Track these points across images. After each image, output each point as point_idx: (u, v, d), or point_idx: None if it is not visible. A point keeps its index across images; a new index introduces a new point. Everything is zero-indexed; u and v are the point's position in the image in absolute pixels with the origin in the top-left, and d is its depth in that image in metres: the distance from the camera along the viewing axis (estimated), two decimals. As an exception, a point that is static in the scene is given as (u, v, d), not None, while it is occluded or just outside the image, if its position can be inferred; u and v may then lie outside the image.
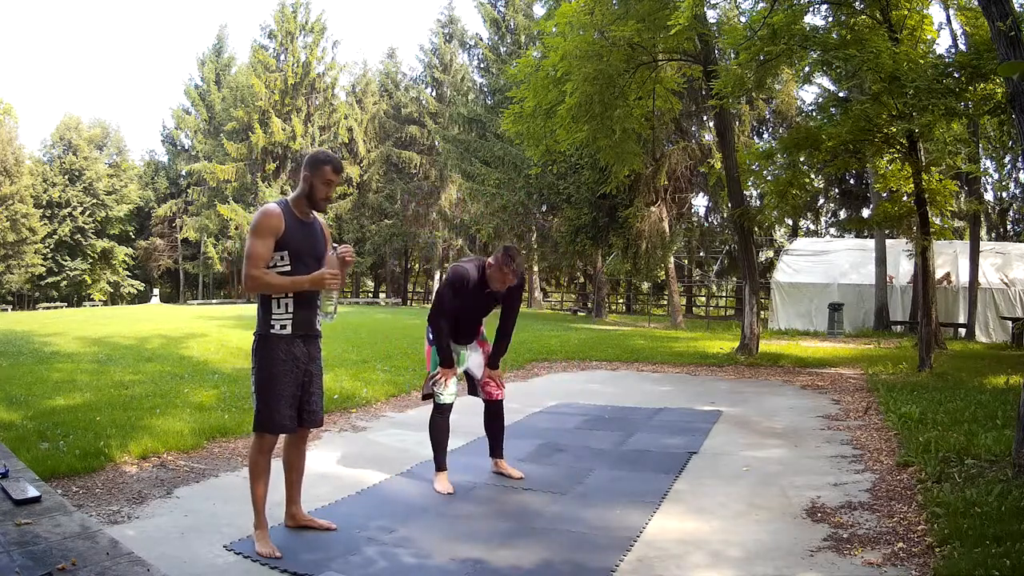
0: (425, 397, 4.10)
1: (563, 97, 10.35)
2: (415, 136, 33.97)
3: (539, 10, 23.52)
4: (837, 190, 26.94)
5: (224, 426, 5.16)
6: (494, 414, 4.21)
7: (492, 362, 4.15)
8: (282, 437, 3.13)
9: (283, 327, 3.01)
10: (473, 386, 4.25)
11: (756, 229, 13.83)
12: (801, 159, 9.97)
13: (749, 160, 11.17)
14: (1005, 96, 6.76)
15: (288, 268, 2.99)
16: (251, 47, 34.66)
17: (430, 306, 4.02)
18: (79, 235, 35.97)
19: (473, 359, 4.19)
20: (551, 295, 35.09)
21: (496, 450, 4.25)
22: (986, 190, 22.66)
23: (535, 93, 10.80)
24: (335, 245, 3.13)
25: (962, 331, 15.76)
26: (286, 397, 3.01)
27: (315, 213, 3.16)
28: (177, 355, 9.55)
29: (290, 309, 3.02)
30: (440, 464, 3.98)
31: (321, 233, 3.16)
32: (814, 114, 10.83)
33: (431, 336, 4.02)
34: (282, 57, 34.40)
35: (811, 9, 9.52)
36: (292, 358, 3.02)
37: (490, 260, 3.90)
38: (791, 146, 9.73)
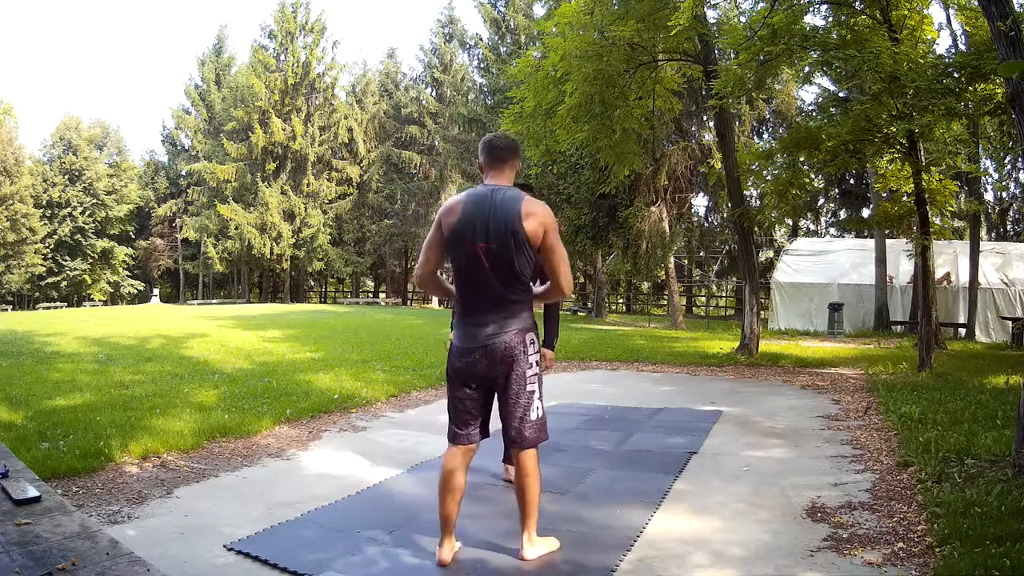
0: None
1: (563, 97, 10.35)
2: (415, 136, 33.99)
3: (539, 10, 23.53)
4: (837, 190, 26.93)
5: (224, 426, 5.16)
6: None
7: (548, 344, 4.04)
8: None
9: None
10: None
11: (756, 229, 13.82)
12: (801, 159, 9.98)
13: (749, 160, 11.16)
14: (1005, 96, 6.75)
15: None
16: (251, 47, 34.74)
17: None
18: (79, 235, 35.94)
19: None
20: (551, 295, 35.03)
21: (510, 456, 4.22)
22: (986, 190, 22.68)
23: (535, 93, 10.80)
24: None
25: (962, 331, 15.76)
26: None
27: None
28: (177, 355, 9.55)
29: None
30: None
31: None
32: (814, 114, 10.84)
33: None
34: (282, 57, 34.41)
35: (811, 9, 9.52)
36: None
37: None
38: (791, 146, 9.73)
